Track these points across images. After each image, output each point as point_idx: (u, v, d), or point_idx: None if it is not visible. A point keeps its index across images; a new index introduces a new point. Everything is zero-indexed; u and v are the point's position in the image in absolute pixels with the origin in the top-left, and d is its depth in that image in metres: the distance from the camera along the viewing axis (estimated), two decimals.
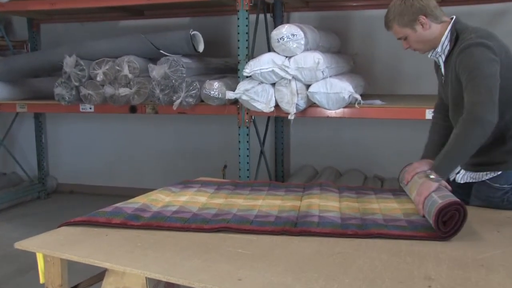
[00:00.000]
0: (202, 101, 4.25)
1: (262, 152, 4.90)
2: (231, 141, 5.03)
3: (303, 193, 2.61)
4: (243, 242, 1.92)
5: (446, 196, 2.04)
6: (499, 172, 2.34)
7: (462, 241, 1.91)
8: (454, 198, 2.01)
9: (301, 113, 3.90)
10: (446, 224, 1.94)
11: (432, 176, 2.20)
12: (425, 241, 1.91)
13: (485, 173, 2.38)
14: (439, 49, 2.37)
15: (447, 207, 1.95)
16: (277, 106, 3.90)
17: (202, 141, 5.80)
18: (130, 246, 1.89)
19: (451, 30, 2.33)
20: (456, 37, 2.30)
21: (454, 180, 2.51)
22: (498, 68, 2.16)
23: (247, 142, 4.20)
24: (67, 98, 4.64)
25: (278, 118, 5.35)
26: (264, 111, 3.90)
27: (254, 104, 3.89)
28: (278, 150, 5.46)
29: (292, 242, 1.92)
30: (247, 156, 4.20)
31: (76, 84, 4.55)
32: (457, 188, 2.41)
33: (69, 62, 4.53)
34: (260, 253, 1.80)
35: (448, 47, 2.34)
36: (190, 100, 4.18)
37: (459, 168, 2.50)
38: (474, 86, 2.14)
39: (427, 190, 2.15)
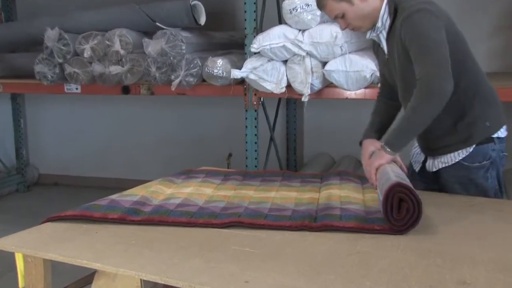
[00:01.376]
0: (204, 80, 4.25)
1: (272, 139, 4.91)
2: (237, 126, 5.04)
3: (321, 184, 2.62)
4: (251, 239, 1.93)
5: (399, 176, 2.07)
6: (471, 149, 2.40)
7: (502, 241, 1.91)
8: (405, 181, 2.01)
9: (316, 94, 3.89)
10: (399, 212, 1.95)
11: (387, 149, 2.29)
12: (458, 241, 1.91)
13: (456, 153, 2.44)
14: (379, 23, 2.42)
15: (396, 187, 1.95)
16: (289, 86, 3.89)
17: (204, 127, 5.81)
18: (123, 245, 1.90)
19: (388, 2, 2.39)
20: (395, 8, 2.36)
21: (422, 170, 2.58)
22: (444, 34, 2.22)
23: (255, 127, 4.20)
24: (49, 77, 4.65)
25: (290, 100, 5.35)
26: (274, 92, 3.90)
27: (263, 84, 3.88)
28: (290, 137, 5.46)
29: (306, 240, 1.93)
30: (255, 143, 4.20)
31: (60, 61, 4.57)
32: (425, 178, 2.54)
33: (51, 35, 4.52)
34: (269, 252, 1.81)
35: (388, 20, 2.39)
36: (191, 79, 4.19)
37: (423, 156, 2.58)
38: (424, 56, 2.19)
39: (379, 160, 2.27)
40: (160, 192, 2.47)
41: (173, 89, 4.20)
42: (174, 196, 2.38)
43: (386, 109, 2.68)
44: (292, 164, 5.46)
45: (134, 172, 6.00)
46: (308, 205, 2.25)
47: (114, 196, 2.38)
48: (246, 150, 4.23)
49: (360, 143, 2.55)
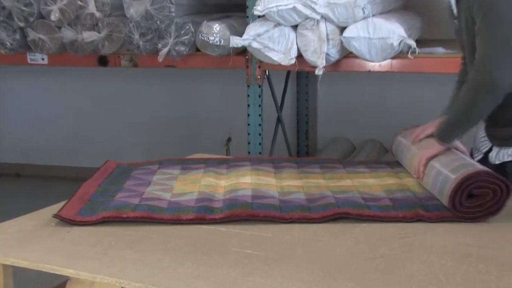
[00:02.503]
0: (197, 50, 4.25)
1: (279, 120, 4.91)
2: (237, 105, 5.04)
3: (344, 170, 2.69)
4: (254, 239, 1.94)
5: (469, 165, 2.16)
6: None
7: None
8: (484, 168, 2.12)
9: (333, 66, 3.89)
10: (472, 200, 2.05)
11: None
12: (506, 244, 1.91)
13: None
14: None
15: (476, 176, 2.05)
16: (299, 57, 3.89)
17: (198, 106, 5.81)
18: (101, 246, 1.91)
19: None
20: None
21: (483, 160, 2.56)
22: None
23: (259, 106, 4.20)
24: (8, 44, 4.64)
25: (301, 74, 5.34)
26: (282, 63, 3.89)
27: (269, 54, 3.88)
28: (301, 118, 5.46)
29: (320, 240, 1.94)
30: (259, 125, 4.20)
31: (21, 24, 4.55)
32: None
33: None
34: (276, 255, 1.82)
35: None
36: (182, 48, 4.18)
37: (489, 145, 2.55)
38: (487, 34, 2.19)
39: (430, 151, 2.32)
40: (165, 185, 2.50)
41: (160, 60, 4.20)
42: (186, 191, 2.39)
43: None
44: (303, 151, 5.46)
45: (113, 160, 5.99)
46: (348, 193, 2.32)
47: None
48: (249, 134, 4.23)
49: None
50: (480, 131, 2.66)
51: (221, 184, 2.48)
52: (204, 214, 2.12)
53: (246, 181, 2.47)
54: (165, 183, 2.53)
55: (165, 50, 4.18)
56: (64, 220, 2.09)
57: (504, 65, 2.15)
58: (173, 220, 2.10)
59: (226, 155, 5.25)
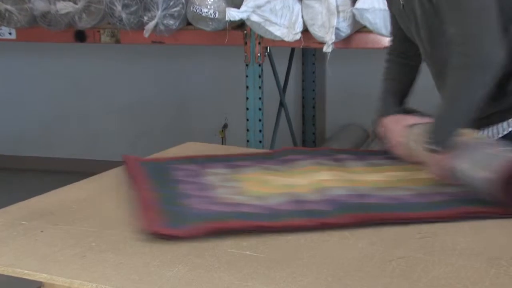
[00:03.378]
0: (189, 24, 4.25)
1: (282, 104, 4.91)
2: (234, 87, 5.05)
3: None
4: (253, 240, 1.94)
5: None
6: None
7: None
8: None
9: (344, 42, 3.90)
10: None
11: (436, 148, 2.29)
12: None
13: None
14: None
15: None
16: (305, 31, 3.90)
17: (190, 88, 5.82)
18: (80, 247, 1.90)
19: None
20: None
21: None
22: None
23: (259, 88, 4.21)
24: None
25: (307, 51, 5.35)
26: (286, 39, 3.90)
27: (270, 28, 3.89)
28: (307, 102, 5.46)
29: (328, 241, 1.94)
30: (259, 110, 4.21)
31: None
32: None
33: None
34: (278, 257, 1.82)
35: None
36: (171, 22, 4.18)
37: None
38: (460, 13, 2.20)
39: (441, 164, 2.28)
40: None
41: (146, 35, 4.21)
42: (266, 194, 2.37)
43: (405, 73, 2.72)
44: (309, 139, 5.47)
45: (92, 150, 6.01)
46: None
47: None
48: (247, 120, 4.24)
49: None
50: None
51: (299, 183, 2.46)
52: (319, 219, 2.10)
53: (326, 178, 2.46)
54: (228, 185, 2.52)
55: (151, 24, 4.18)
56: (164, 236, 1.99)
57: (490, 39, 2.17)
58: (287, 226, 2.07)
59: (222, 144, 5.26)
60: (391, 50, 2.79)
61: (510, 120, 2.47)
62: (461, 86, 2.23)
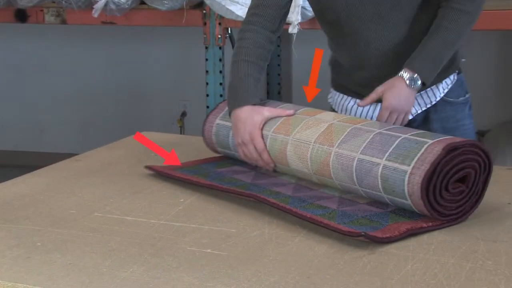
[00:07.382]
0: (143, 2, 4.23)
1: None
2: (192, 71, 5.04)
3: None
4: (214, 236, 1.94)
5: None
6: (454, 77, 2.60)
7: None
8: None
9: (311, 23, 3.90)
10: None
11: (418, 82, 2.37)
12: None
13: (440, 85, 2.57)
14: None
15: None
16: None
17: (144, 72, 5.80)
18: (23, 248, 1.89)
19: None
20: None
21: None
22: None
23: (220, 72, 4.21)
24: None
25: None
26: None
27: (231, 7, 3.87)
28: (272, 87, 5.47)
29: (295, 237, 1.94)
30: (220, 96, 4.21)
31: None
32: None
33: None
34: (242, 255, 1.82)
35: None
36: (123, 0, 4.16)
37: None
38: None
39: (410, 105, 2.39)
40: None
41: (95, 15, 4.17)
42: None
43: (269, 49, 2.58)
44: None
45: (34, 142, 5.97)
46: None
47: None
48: (207, 107, 4.24)
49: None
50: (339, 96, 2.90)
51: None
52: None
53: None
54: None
55: (101, 3, 4.15)
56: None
57: None
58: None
59: (180, 133, 5.26)
60: (257, 18, 2.54)
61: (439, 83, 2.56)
62: (462, 27, 2.38)
